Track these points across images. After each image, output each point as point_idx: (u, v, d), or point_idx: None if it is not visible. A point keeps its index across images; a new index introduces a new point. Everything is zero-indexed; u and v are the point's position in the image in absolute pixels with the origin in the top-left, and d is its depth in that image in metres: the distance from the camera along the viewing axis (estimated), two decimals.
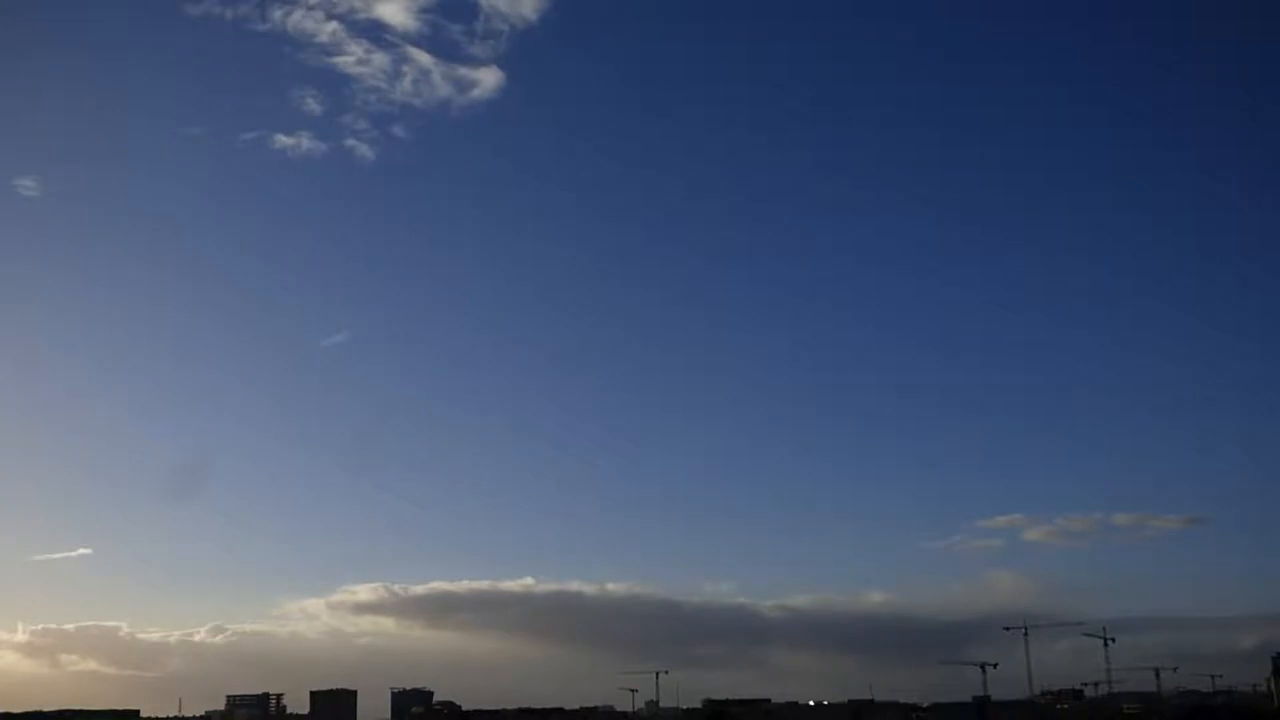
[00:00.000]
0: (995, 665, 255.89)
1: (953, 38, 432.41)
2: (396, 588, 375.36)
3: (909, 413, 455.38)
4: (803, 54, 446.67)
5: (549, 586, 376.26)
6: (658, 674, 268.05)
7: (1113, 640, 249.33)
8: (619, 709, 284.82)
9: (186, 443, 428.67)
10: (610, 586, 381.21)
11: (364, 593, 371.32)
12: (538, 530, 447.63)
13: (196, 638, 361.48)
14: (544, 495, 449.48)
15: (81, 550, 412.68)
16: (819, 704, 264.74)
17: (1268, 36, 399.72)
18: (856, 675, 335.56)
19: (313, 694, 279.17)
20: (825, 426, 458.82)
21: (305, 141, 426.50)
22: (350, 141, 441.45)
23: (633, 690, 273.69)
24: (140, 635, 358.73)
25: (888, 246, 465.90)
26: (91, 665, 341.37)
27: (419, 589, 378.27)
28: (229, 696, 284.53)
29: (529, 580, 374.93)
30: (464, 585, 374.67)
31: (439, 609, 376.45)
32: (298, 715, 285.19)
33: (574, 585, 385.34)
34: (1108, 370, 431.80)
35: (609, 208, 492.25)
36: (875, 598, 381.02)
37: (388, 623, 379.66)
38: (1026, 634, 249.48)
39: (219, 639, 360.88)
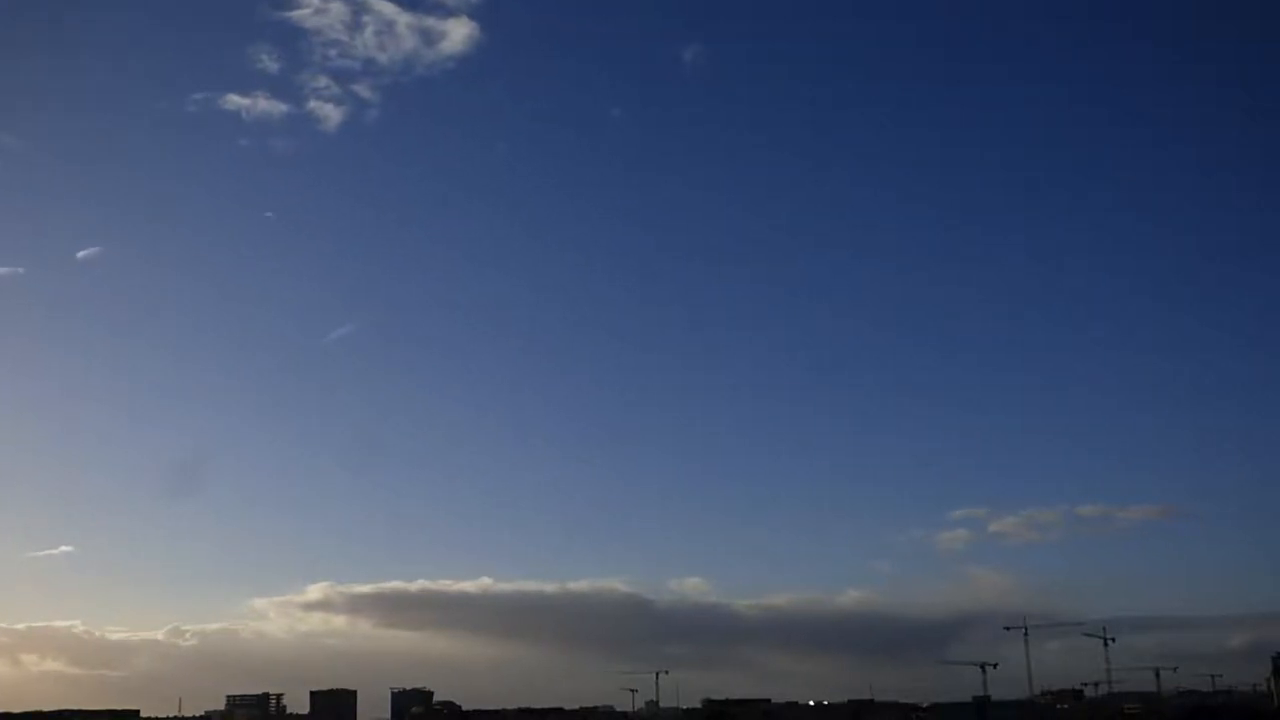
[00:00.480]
0: (995, 665, 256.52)
1: (953, 38, 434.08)
2: (368, 587, 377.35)
3: (883, 409, 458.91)
4: (802, 53, 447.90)
5: (541, 586, 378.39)
6: (657, 674, 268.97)
7: (1113, 640, 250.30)
8: (619, 709, 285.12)
9: (175, 442, 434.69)
10: (575, 585, 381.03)
11: (320, 591, 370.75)
12: (524, 527, 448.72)
13: (159, 636, 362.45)
14: (528, 493, 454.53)
15: (64, 548, 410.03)
16: (819, 704, 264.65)
17: (1268, 36, 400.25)
18: (838, 675, 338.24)
19: (313, 694, 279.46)
20: (798, 422, 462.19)
21: (262, 101, 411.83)
22: (312, 103, 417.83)
23: (633, 690, 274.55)
24: (97, 634, 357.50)
25: (874, 240, 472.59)
26: (51, 666, 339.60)
27: (368, 588, 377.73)
28: (229, 696, 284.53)
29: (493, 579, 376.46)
30: (454, 585, 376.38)
31: (399, 607, 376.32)
32: (298, 715, 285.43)
33: (539, 584, 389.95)
34: (1089, 365, 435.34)
35: (596, 198, 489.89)
36: (852, 596, 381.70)
37: (340, 620, 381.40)
38: (1026, 634, 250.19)
39: (185, 639, 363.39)
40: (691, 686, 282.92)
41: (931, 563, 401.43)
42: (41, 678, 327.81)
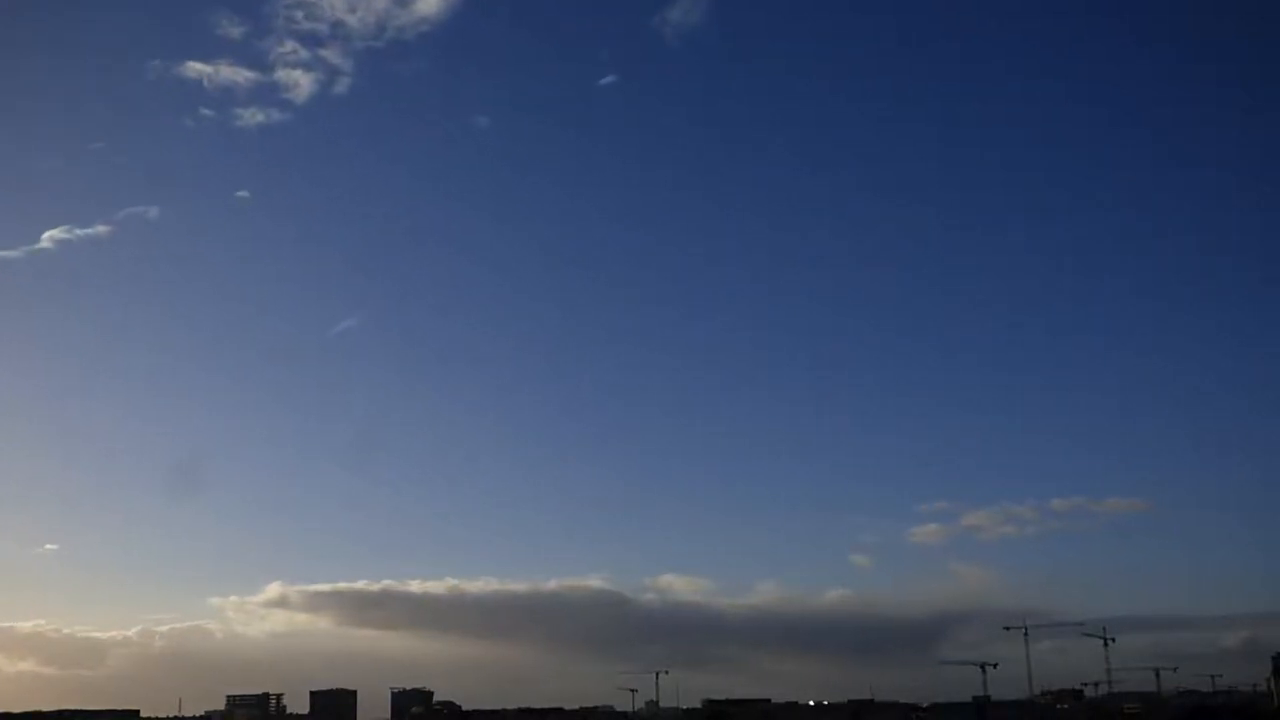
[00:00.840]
0: (995, 665, 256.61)
1: (953, 38, 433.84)
2: (341, 585, 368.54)
3: (850, 402, 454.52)
4: (802, 53, 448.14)
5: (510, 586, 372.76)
6: (658, 674, 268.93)
7: (1113, 640, 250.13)
8: (619, 709, 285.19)
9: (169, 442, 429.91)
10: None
11: (280, 591, 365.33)
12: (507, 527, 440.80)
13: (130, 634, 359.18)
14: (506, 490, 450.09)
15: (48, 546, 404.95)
16: (819, 704, 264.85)
17: (1268, 36, 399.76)
18: (828, 675, 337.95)
19: (313, 694, 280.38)
20: (757, 416, 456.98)
21: (225, 69, 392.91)
22: (280, 72, 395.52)
23: (632, 690, 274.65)
24: (66, 632, 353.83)
25: (858, 238, 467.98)
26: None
27: (329, 587, 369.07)
28: (229, 696, 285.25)
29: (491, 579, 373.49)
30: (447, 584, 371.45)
31: (364, 606, 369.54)
32: (298, 715, 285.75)
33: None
34: (1065, 362, 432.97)
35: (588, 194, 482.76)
36: (834, 594, 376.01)
37: (301, 619, 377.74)
38: (1026, 634, 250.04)
39: (155, 640, 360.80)
40: (674, 687, 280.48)
41: (908, 558, 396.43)
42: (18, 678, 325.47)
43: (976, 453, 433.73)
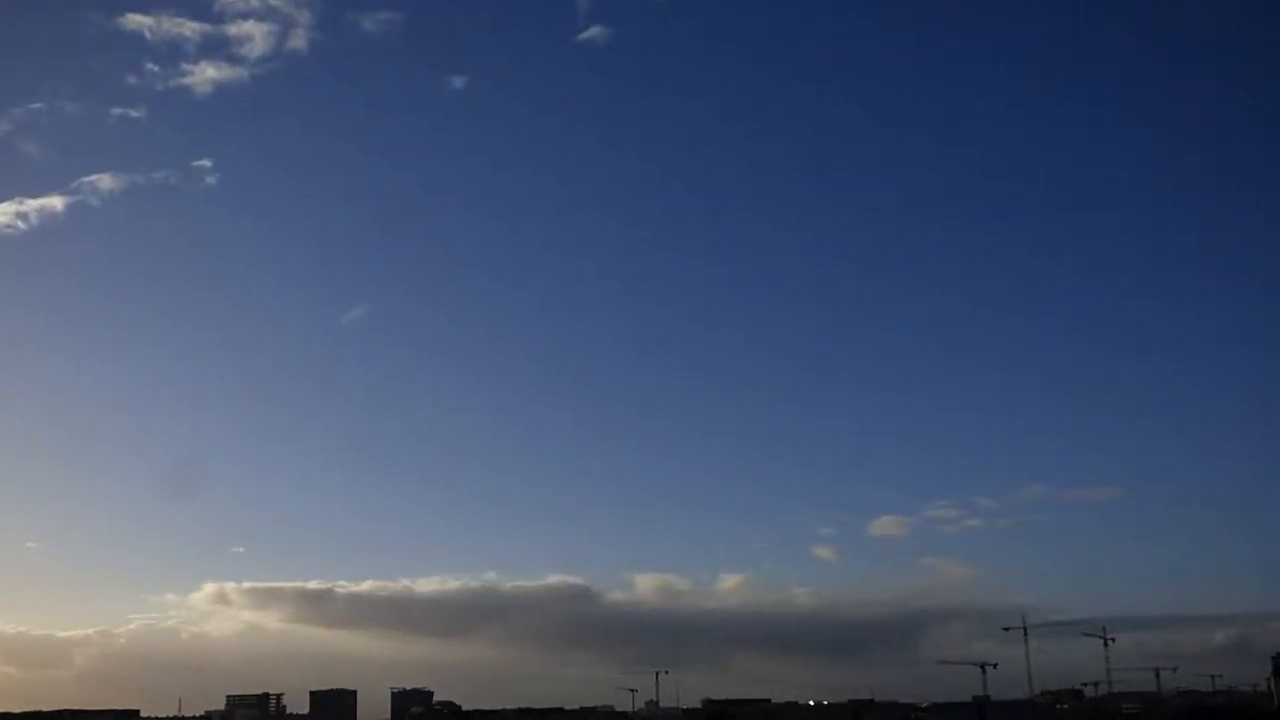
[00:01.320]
0: (995, 665, 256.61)
1: (953, 37, 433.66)
2: (315, 583, 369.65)
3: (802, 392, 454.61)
4: (802, 53, 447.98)
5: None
6: (658, 674, 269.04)
7: (1113, 640, 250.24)
8: (619, 709, 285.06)
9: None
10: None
11: (245, 589, 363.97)
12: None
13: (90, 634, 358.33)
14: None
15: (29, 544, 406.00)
16: (819, 704, 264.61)
17: (1268, 36, 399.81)
18: (820, 675, 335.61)
19: (312, 694, 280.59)
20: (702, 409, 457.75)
21: (168, 22, 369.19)
22: (232, 26, 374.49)
23: (632, 690, 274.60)
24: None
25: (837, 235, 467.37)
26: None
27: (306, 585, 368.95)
28: (229, 696, 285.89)
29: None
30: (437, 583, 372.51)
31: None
32: (298, 715, 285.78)
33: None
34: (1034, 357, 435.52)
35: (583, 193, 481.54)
36: (803, 591, 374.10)
37: (262, 617, 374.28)
38: (1026, 633, 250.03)
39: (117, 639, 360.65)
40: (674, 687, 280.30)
41: (872, 551, 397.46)
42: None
43: (940, 444, 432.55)
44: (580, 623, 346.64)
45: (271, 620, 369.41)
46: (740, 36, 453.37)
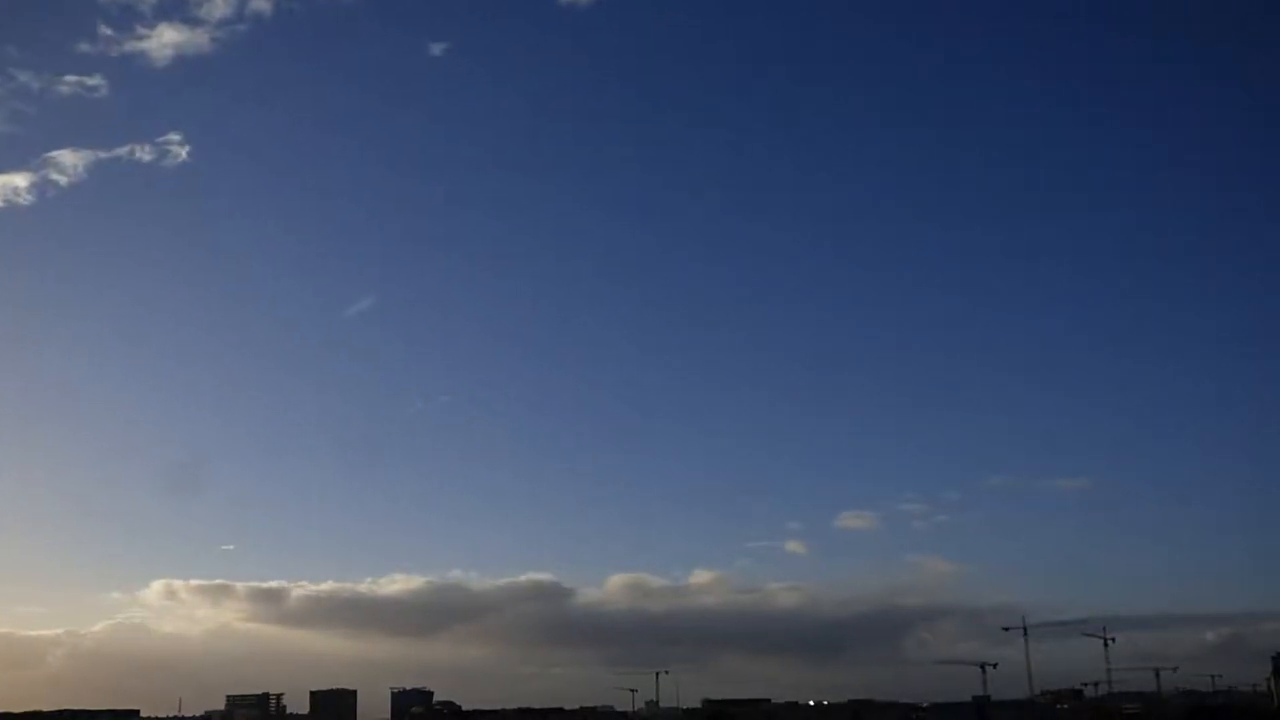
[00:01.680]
0: (995, 665, 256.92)
1: (953, 36, 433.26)
2: (290, 583, 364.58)
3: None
4: (801, 53, 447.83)
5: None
6: (658, 674, 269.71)
7: (1113, 640, 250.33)
8: (619, 709, 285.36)
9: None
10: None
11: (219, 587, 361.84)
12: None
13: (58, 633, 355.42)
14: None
15: None
16: (819, 704, 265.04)
17: (1268, 36, 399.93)
18: (783, 674, 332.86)
19: (313, 694, 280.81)
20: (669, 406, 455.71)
21: None
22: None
23: (632, 690, 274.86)
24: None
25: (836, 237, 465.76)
26: None
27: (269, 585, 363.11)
28: (229, 696, 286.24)
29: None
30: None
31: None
32: (298, 715, 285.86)
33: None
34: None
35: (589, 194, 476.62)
36: (779, 588, 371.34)
37: (225, 615, 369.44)
38: (1026, 633, 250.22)
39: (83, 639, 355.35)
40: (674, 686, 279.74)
41: (840, 546, 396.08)
42: None
43: (901, 436, 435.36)
44: (555, 622, 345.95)
45: (254, 620, 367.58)
46: (740, 36, 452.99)
